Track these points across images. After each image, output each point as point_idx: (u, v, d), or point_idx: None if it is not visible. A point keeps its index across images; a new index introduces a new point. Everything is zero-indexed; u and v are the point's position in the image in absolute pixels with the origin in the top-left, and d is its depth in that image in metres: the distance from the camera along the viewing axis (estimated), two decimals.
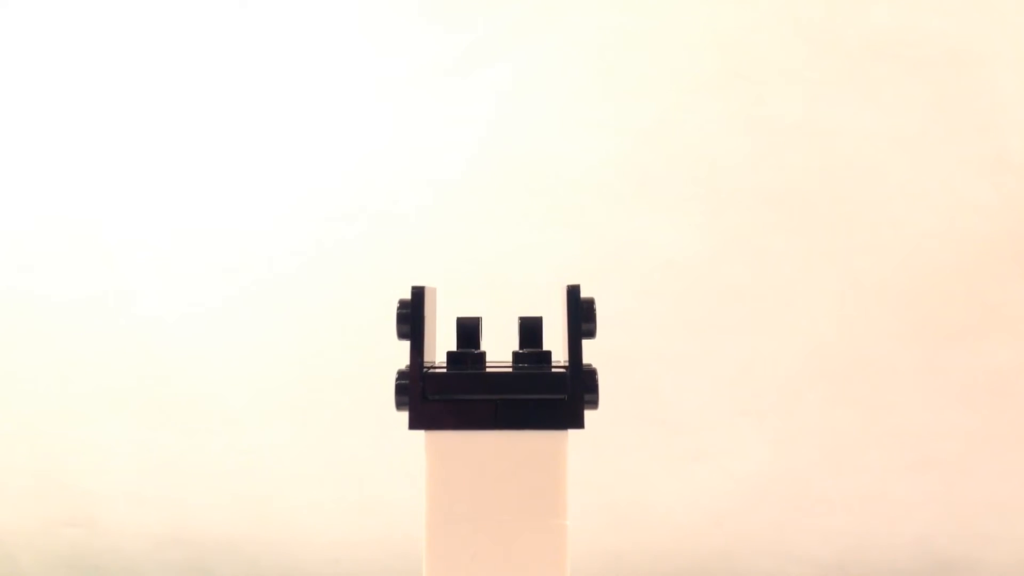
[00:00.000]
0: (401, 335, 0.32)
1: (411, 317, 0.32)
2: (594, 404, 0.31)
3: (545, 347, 0.33)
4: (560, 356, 0.33)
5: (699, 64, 0.72)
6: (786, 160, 0.71)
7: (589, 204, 0.72)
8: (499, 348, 0.34)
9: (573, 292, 0.31)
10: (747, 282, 0.71)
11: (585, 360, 0.33)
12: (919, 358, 0.69)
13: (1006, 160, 0.69)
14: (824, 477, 0.70)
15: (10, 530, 0.76)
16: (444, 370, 0.32)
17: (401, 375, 0.32)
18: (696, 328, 0.70)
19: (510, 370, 0.32)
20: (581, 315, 0.31)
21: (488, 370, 0.32)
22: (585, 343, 0.33)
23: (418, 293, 0.32)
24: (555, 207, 0.72)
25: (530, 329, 0.33)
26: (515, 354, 0.33)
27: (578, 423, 0.30)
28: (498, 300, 0.63)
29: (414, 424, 0.31)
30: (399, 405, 0.32)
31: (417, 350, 0.32)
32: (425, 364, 0.32)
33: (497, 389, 0.31)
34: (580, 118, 0.73)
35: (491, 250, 0.72)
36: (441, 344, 0.35)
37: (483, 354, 0.33)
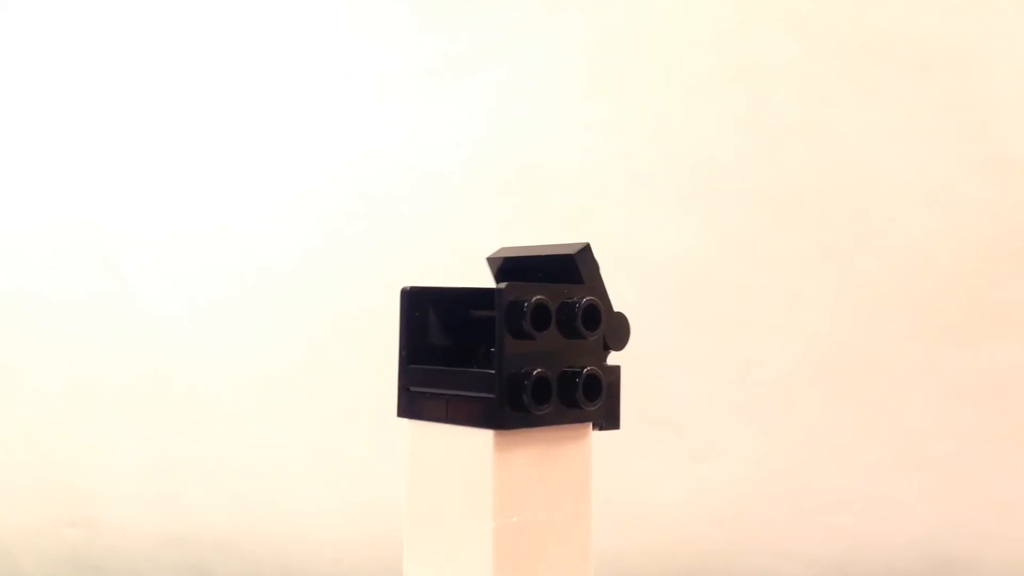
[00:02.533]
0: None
1: (401, 316, 0.33)
2: (531, 408, 0.30)
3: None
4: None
5: (698, 64, 0.72)
6: (786, 160, 0.71)
7: (589, 204, 0.72)
8: None
9: (500, 294, 0.31)
10: (747, 282, 0.71)
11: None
12: (919, 358, 0.69)
13: (1006, 159, 0.69)
14: (824, 477, 0.70)
15: (11, 530, 0.76)
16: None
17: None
18: (696, 328, 0.70)
19: (461, 369, 0.32)
20: (504, 316, 0.30)
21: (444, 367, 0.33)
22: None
23: (405, 293, 0.33)
24: (554, 206, 0.72)
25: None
26: None
27: (500, 424, 0.30)
28: None
29: (398, 412, 0.33)
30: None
31: (404, 344, 0.33)
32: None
33: (449, 385, 0.32)
34: (580, 118, 0.73)
35: (490, 250, 0.72)
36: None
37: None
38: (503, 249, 0.36)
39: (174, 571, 0.74)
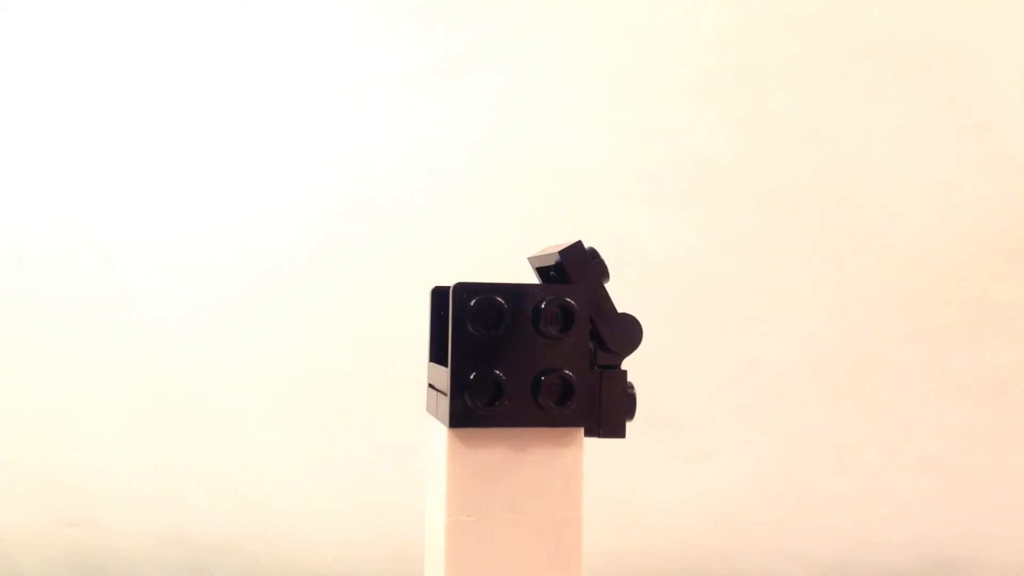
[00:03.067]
0: None
1: (430, 315, 0.34)
2: (474, 407, 0.30)
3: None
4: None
5: (699, 64, 0.72)
6: (786, 160, 0.71)
7: (589, 204, 0.72)
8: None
9: (453, 291, 0.31)
10: (747, 282, 0.71)
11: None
12: (919, 358, 0.69)
13: (1005, 159, 0.69)
14: (824, 477, 0.70)
15: (10, 530, 0.76)
16: None
17: None
18: (696, 328, 0.70)
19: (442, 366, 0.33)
20: (454, 315, 0.31)
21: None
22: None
23: (433, 292, 0.34)
24: (554, 207, 0.72)
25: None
26: None
27: (449, 421, 0.30)
28: None
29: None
30: None
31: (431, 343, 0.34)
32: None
33: (439, 382, 0.33)
34: (580, 118, 0.73)
35: (490, 251, 0.72)
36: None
37: None
38: (548, 248, 0.36)
39: (174, 571, 0.74)
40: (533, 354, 0.31)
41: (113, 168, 0.78)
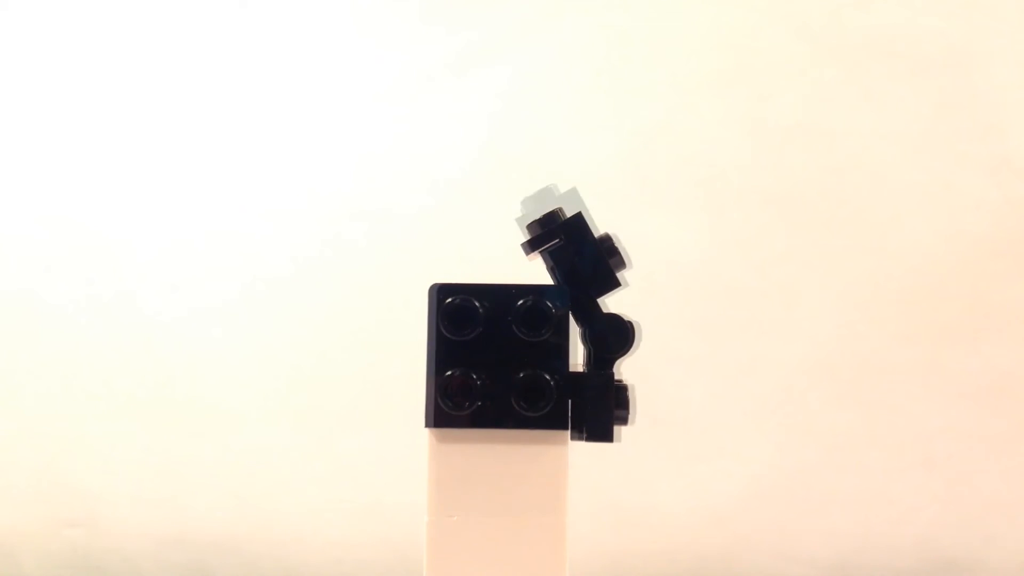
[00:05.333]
0: None
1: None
2: (447, 408, 0.31)
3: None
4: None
5: (701, 65, 0.72)
6: (788, 161, 0.71)
7: (591, 205, 0.72)
8: None
9: (429, 292, 0.31)
10: (749, 283, 0.71)
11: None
12: (921, 358, 0.69)
13: (1008, 160, 0.69)
14: (826, 477, 0.70)
15: (12, 530, 0.76)
16: None
17: None
18: (698, 329, 0.70)
19: None
20: (431, 316, 0.31)
21: None
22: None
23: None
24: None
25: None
26: None
27: (428, 421, 0.31)
28: None
29: None
30: None
31: None
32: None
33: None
34: (583, 119, 0.73)
35: (492, 252, 0.72)
36: None
37: None
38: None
39: (175, 572, 0.74)
40: (509, 355, 0.31)
41: (114, 172, 0.78)
